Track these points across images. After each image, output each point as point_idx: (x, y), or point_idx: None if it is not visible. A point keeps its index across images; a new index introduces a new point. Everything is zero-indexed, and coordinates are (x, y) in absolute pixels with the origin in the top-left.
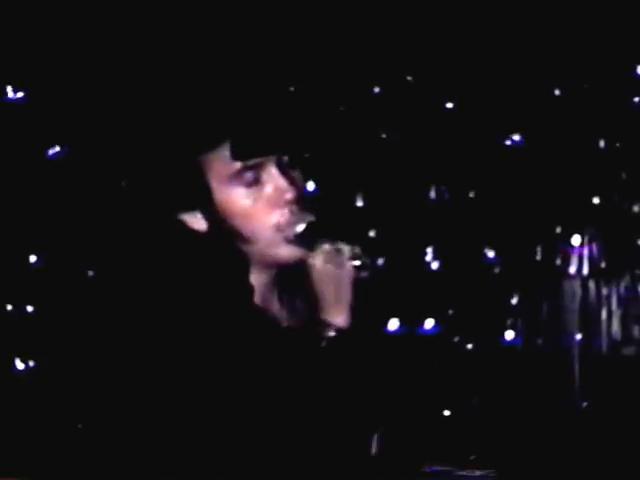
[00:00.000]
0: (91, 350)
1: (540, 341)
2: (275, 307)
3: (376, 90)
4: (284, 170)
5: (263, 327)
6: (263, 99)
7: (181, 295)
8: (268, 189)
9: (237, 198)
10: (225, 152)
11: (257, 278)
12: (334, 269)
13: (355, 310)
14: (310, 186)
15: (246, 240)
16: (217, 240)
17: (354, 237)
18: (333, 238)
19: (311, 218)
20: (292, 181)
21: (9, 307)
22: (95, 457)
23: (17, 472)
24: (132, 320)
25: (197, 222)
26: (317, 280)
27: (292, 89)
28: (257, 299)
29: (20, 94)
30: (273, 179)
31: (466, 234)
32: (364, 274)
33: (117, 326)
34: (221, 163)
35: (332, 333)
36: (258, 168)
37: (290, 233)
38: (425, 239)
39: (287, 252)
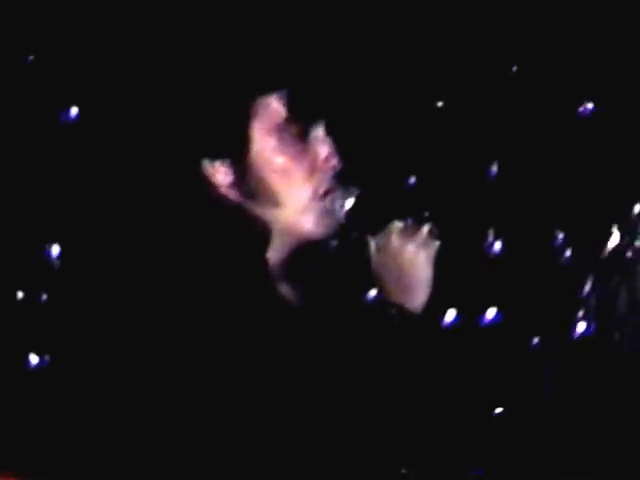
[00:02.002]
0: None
1: (616, 335)
2: (290, 286)
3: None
4: (333, 136)
5: (273, 305)
6: (327, 55)
7: (190, 264)
8: (312, 149)
9: (277, 151)
10: (276, 99)
11: (274, 252)
12: (410, 249)
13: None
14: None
15: (274, 202)
16: (237, 202)
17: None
18: (398, 216)
19: (356, 192)
20: (339, 150)
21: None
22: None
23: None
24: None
25: (222, 173)
26: (389, 261)
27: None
28: (270, 275)
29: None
30: (320, 140)
31: (532, 213)
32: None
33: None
34: (269, 111)
35: (399, 317)
36: (307, 124)
37: (329, 205)
38: (486, 219)
39: (318, 225)
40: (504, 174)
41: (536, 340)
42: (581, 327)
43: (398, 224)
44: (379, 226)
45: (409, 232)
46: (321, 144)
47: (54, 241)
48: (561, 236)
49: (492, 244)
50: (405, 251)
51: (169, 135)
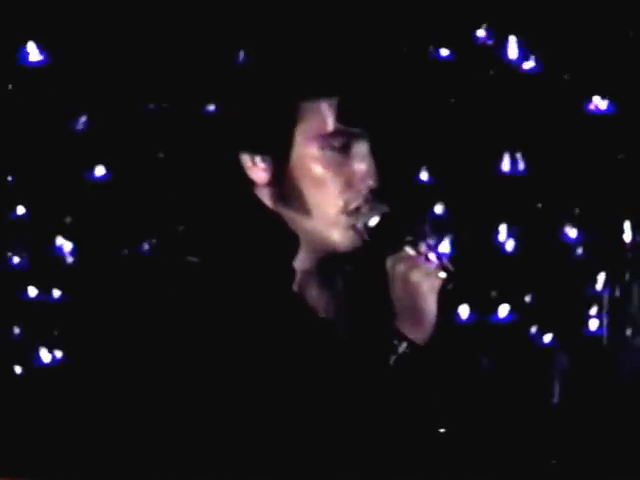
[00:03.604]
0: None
1: (629, 332)
2: (313, 298)
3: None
4: (375, 152)
5: (297, 315)
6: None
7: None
8: (352, 164)
9: (317, 160)
10: (326, 107)
11: (301, 262)
12: (418, 277)
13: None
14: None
15: (304, 210)
16: (270, 204)
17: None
18: (412, 240)
19: (386, 210)
20: (377, 168)
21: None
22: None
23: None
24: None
25: (259, 171)
26: (396, 286)
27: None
28: (296, 285)
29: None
30: (361, 157)
31: (544, 210)
32: (450, 287)
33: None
34: (316, 117)
35: (404, 347)
36: (352, 138)
37: (357, 220)
38: (498, 216)
39: (343, 239)
40: (518, 171)
41: (549, 337)
42: (593, 325)
43: (409, 250)
44: (394, 249)
45: (416, 260)
46: (361, 161)
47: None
48: (574, 233)
49: (505, 242)
50: (410, 279)
51: (216, 125)
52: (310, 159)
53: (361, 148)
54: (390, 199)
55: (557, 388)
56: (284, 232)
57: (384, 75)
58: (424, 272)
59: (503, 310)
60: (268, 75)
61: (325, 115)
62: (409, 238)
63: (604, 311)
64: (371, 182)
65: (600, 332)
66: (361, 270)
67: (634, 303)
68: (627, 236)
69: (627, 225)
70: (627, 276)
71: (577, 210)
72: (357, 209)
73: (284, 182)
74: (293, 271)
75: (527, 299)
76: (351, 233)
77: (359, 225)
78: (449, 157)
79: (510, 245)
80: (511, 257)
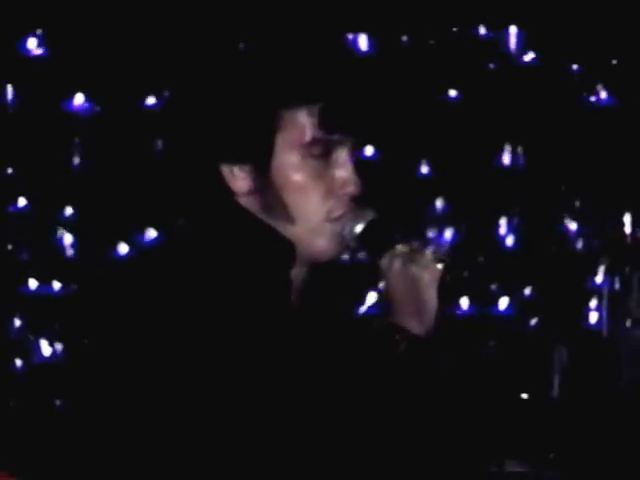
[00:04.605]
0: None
1: (628, 324)
2: (309, 305)
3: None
4: (355, 160)
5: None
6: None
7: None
8: (333, 171)
9: (298, 167)
10: (305, 115)
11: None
12: (416, 270)
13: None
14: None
15: (287, 218)
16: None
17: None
18: (404, 238)
19: (372, 217)
20: (359, 174)
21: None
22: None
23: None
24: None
25: (240, 179)
26: (395, 282)
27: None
28: (294, 295)
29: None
30: (342, 164)
31: (544, 204)
32: (448, 277)
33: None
34: (296, 125)
35: (406, 341)
36: (333, 146)
37: (340, 228)
38: (498, 209)
39: (328, 247)
40: (518, 164)
41: (548, 331)
42: (593, 317)
43: (402, 247)
44: (386, 249)
45: (413, 255)
46: (342, 168)
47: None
48: (574, 225)
49: (505, 235)
50: (408, 273)
51: (194, 135)
52: (291, 167)
53: (342, 155)
54: (375, 203)
55: (557, 381)
56: (278, 241)
57: (365, 81)
58: (422, 265)
59: (503, 303)
60: (246, 83)
61: (305, 123)
62: (401, 236)
63: (603, 304)
64: (353, 189)
65: (600, 325)
66: (350, 276)
67: (633, 296)
68: (627, 229)
69: (627, 218)
70: (627, 269)
71: (577, 203)
72: (340, 216)
73: (266, 191)
74: (290, 282)
75: (527, 292)
76: (336, 241)
77: (344, 233)
78: (449, 151)
79: (510, 239)
80: (511, 250)
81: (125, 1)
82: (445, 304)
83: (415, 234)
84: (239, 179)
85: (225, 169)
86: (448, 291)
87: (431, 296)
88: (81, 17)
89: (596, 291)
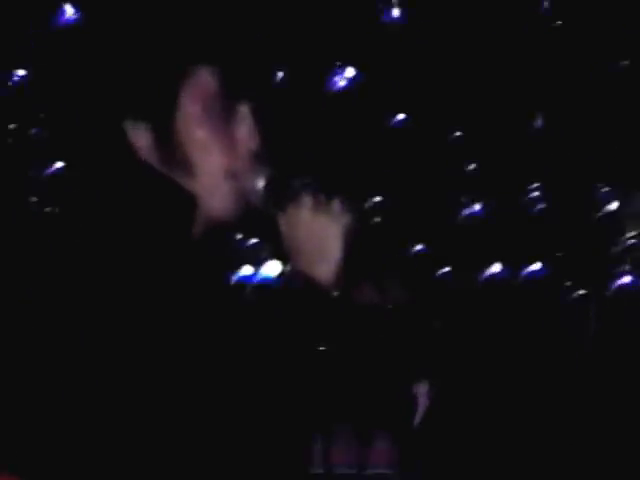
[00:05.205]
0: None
1: None
2: (205, 257)
3: None
4: (259, 118)
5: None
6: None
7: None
8: (234, 127)
9: (199, 122)
10: (209, 71)
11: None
12: (318, 222)
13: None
14: None
15: (188, 173)
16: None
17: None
18: (311, 192)
19: (269, 173)
20: (262, 132)
21: None
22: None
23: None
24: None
25: (141, 135)
26: (291, 234)
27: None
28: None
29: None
30: (245, 121)
31: (577, 168)
32: (362, 227)
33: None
34: (199, 79)
35: (310, 286)
36: (234, 102)
37: (240, 184)
38: (530, 173)
39: (227, 203)
40: (547, 129)
41: (580, 292)
42: (626, 279)
43: (308, 198)
44: (289, 202)
45: (320, 206)
46: (242, 123)
47: None
48: (605, 189)
49: (535, 200)
50: (316, 224)
51: (96, 91)
52: (192, 122)
53: (243, 111)
54: (275, 159)
55: (589, 340)
56: (180, 195)
57: (269, 41)
58: (328, 217)
59: (535, 265)
60: (153, 37)
61: (208, 78)
62: (308, 191)
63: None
64: (253, 145)
65: (632, 284)
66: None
67: None
68: None
69: None
70: None
71: (608, 168)
72: (241, 172)
73: (167, 146)
74: (191, 238)
75: (559, 255)
76: (235, 197)
77: (244, 189)
78: (481, 117)
79: (541, 203)
80: (542, 215)
81: None
82: (355, 255)
83: (322, 188)
84: (141, 135)
85: (128, 123)
86: (357, 242)
87: (334, 246)
88: None
89: (632, 251)
